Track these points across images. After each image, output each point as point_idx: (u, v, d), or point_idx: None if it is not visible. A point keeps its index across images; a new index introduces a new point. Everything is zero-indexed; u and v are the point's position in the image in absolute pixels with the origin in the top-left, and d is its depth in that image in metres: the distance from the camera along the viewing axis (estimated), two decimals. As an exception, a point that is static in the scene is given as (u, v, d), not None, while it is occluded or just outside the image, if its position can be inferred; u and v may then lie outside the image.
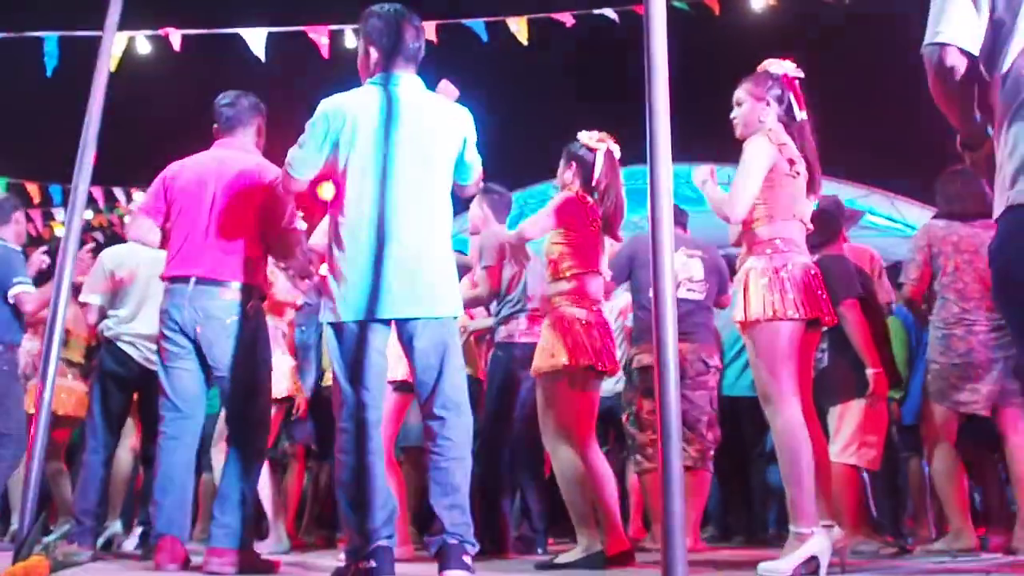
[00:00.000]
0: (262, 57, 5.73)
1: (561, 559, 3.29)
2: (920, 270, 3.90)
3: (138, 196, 4.63)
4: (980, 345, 3.73)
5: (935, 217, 4.04)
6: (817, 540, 2.72)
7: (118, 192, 8.35)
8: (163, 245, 3.31)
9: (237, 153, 3.30)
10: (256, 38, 5.74)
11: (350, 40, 5.74)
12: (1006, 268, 1.76)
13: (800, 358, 2.88)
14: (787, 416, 2.80)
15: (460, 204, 3.01)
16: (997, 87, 1.85)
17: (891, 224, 11.48)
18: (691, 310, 4.21)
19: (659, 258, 1.57)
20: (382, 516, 2.55)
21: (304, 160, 2.73)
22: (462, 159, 2.78)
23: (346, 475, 2.59)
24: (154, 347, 3.94)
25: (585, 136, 3.48)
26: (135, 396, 4.16)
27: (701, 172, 3.11)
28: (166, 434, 3.13)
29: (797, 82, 3.05)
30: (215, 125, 3.40)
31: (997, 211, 1.78)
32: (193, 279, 3.11)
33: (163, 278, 3.24)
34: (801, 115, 3.03)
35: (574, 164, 3.47)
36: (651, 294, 1.81)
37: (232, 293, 3.13)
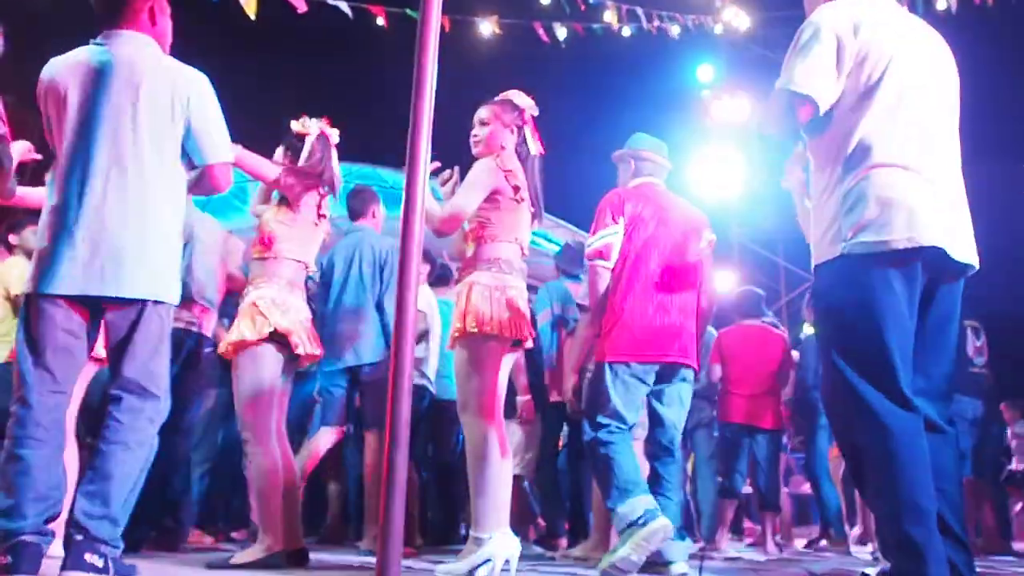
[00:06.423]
0: None
1: (237, 558, 3.14)
2: None
3: None
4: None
5: None
6: (493, 544, 2.92)
7: None
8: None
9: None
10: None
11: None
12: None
13: (501, 373, 3.07)
14: (483, 427, 2.97)
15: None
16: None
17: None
18: None
19: (406, 267, 1.59)
20: (35, 508, 2.33)
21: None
22: (190, 129, 2.55)
23: (2, 459, 2.37)
24: None
25: (296, 124, 3.45)
26: None
27: (444, 176, 3.22)
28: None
29: (532, 119, 3.26)
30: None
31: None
32: None
33: None
34: (537, 148, 3.24)
35: (288, 151, 3.42)
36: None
37: None
